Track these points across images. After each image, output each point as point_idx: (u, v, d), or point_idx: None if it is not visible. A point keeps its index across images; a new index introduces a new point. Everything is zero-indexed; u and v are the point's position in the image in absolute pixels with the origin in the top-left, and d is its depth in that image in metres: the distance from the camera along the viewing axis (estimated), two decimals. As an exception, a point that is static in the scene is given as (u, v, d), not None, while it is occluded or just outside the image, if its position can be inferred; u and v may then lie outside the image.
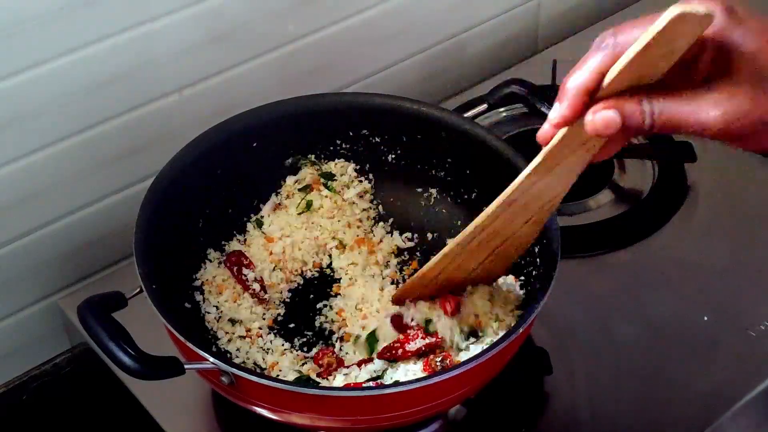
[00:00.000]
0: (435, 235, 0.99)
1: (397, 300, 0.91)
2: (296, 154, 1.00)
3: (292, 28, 1.08)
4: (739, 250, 1.04)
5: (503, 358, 0.81)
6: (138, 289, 0.82)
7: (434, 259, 0.85)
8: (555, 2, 1.36)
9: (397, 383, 0.81)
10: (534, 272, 0.89)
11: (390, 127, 0.99)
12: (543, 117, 0.67)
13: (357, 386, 0.84)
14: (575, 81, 0.65)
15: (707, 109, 0.63)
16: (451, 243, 0.83)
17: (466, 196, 0.98)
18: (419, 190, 1.00)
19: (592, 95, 0.65)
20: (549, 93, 1.16)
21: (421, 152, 0.99)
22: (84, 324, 0.76)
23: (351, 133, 1.00)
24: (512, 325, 0.85)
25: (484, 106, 1.18)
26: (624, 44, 0.63)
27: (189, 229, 0.94)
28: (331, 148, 1.00)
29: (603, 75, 0.64)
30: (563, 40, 1.35)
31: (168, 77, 1.01)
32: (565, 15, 1.38)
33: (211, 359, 0.76)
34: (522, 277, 0.91)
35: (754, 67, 0.63)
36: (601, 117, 0.64)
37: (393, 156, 1.00)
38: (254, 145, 0.97)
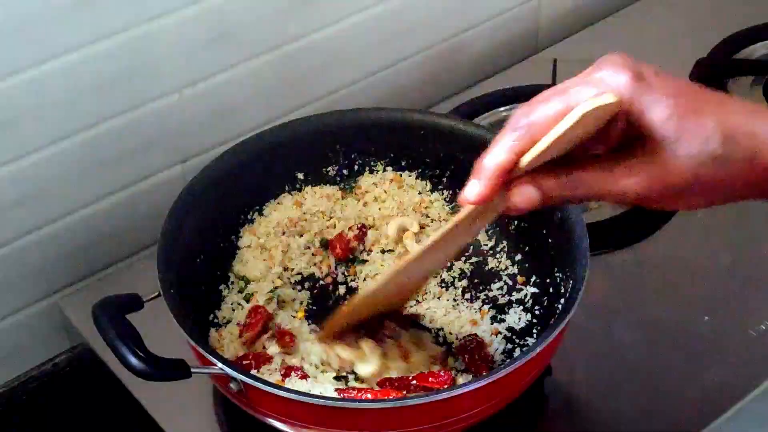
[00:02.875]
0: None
1: (326, 337, 0.88)
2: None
3: (292, 28, 1.08)
4: (739, 250, 1.04)
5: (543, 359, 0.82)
6: (156, 293, 0.82)
7: (357, 298, 0.87)
8: (555, 2, 1.36)
9: (425, 394, 0.78)
10: (558, 277, 0.90)
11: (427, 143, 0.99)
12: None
13: (378, 396, 0.81)
14: (493, 161, 0.65)
15: (622, 179, 0.64)
16: (370, 286, 0.87)
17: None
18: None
19: (509, 173, 0.66)
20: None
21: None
22: (96, 322, 0.77)
23: (383, 151, 1.01)
24: None
25: None
26: (537, 125, 0.64)
27: (215, 238, 0.95)
28: (360, 163, 1.01)
29: (518, 155, 0.65)
30: (563, 40, 1.35)
31: (168, 77, 1.01)
32: (565, 15, 1.38)
33: (219, 364, 0.76)
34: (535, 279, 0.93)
35: (663, 134, 0.63)
36: (522, 194, 0.66)
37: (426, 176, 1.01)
38: (282, 159, 0.98)
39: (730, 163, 0.63)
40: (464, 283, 0.96)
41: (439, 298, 0.94)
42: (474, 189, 0.66)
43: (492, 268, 0.97)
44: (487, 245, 0.99)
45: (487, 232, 0.99)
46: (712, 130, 0.62)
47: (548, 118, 0.63)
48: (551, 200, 0.67)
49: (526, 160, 0.64)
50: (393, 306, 0.91)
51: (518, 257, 0.97)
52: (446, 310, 0.93)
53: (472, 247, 0.99)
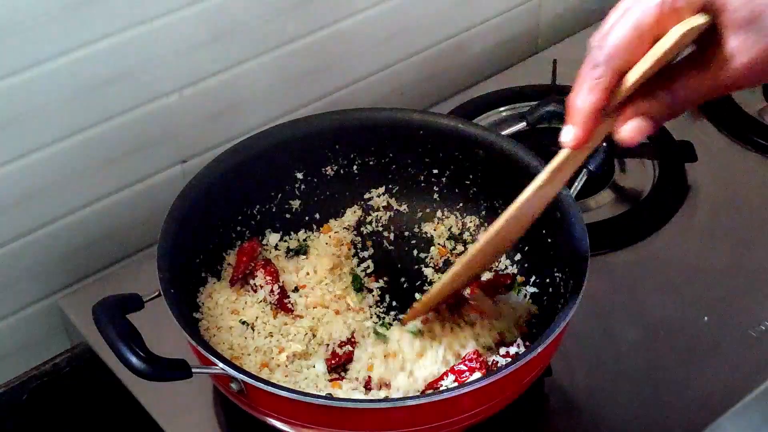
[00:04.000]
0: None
1: (409, 320, 0.89)
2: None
3: (292, 28, 1.08)
4: (739, 250, 1.04)
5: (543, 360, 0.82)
6: (156, 293, 0.82)
7: (444, 280, 0.84)
8: (555, 2, 1.36)
9: (425, 394, 0.79)
10: (557, 277, 0.90)
11: (425, 145, 0.99)
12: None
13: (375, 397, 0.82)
14: (583, 103, 0.64)
15: (723, 67, 0.62)
16: (458, 263, 0.82)
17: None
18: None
19: (602, 112, 0.65)
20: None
21: (458, 171, 0.99)
22: (96, 322, 0.77)
23: (382, 151, 1.00)
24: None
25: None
26: (616, 57, 0.63)
27: (214, 237, 0.95)
28: (360, 163, 1.01)
29: (607, 91, 0.64)
30: (563, 40, 1.35)
31: (168, 77, 1.01)
32: (565, 15, 1.38)
33: (220, 364, 0.76)
34: (535, 278, 0.93)
35: (743, 14, 0.61)
36: (633, 127, 0.65)
37: (425, 175, 1.01)
38: (281, 159, 0.98)
39: None
40: (464, 283, 0.96)
41: None
42: (570, 133, 0.66)
43: (492, 268, 0.97)
44: (487, 245, 0.99)
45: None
46: None
47: (623, 46, 0.62)
48: (661, 123, 0.66)
49: (622, 92, 0.63)
50: (472, 278, 0.89)
51: (518, 257, 0.96)
52: (446, 310, 0.93)
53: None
